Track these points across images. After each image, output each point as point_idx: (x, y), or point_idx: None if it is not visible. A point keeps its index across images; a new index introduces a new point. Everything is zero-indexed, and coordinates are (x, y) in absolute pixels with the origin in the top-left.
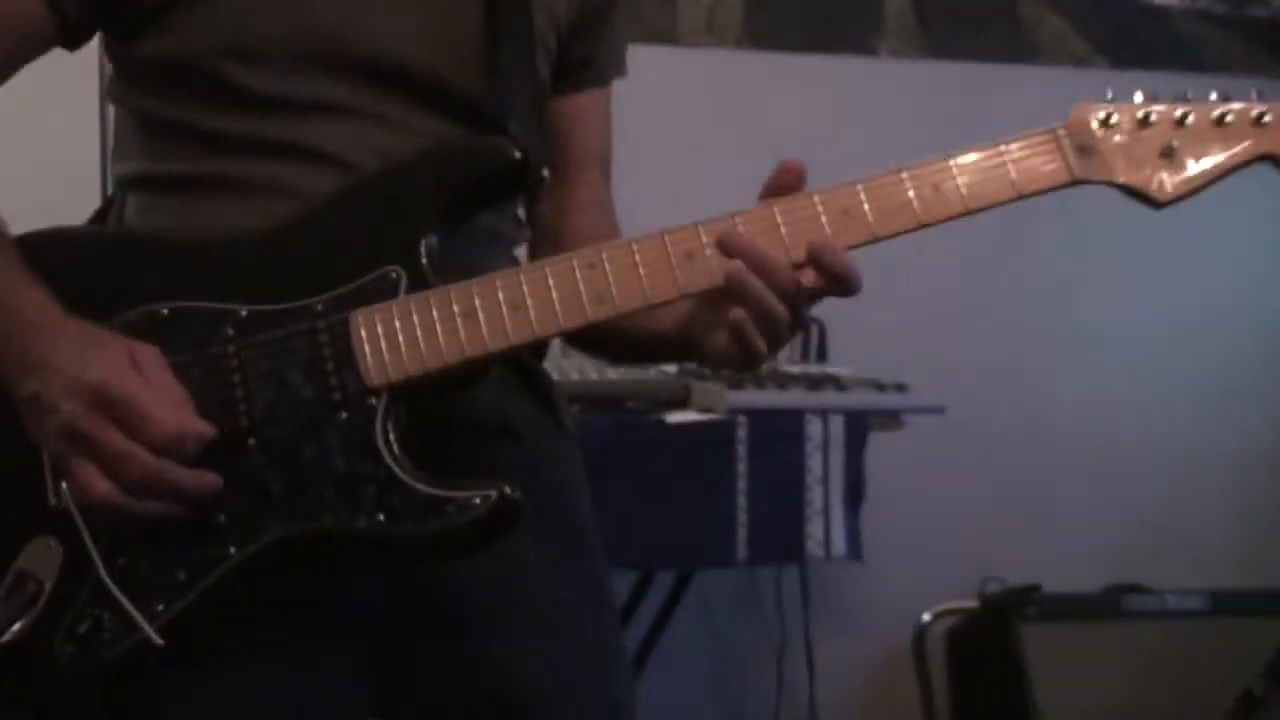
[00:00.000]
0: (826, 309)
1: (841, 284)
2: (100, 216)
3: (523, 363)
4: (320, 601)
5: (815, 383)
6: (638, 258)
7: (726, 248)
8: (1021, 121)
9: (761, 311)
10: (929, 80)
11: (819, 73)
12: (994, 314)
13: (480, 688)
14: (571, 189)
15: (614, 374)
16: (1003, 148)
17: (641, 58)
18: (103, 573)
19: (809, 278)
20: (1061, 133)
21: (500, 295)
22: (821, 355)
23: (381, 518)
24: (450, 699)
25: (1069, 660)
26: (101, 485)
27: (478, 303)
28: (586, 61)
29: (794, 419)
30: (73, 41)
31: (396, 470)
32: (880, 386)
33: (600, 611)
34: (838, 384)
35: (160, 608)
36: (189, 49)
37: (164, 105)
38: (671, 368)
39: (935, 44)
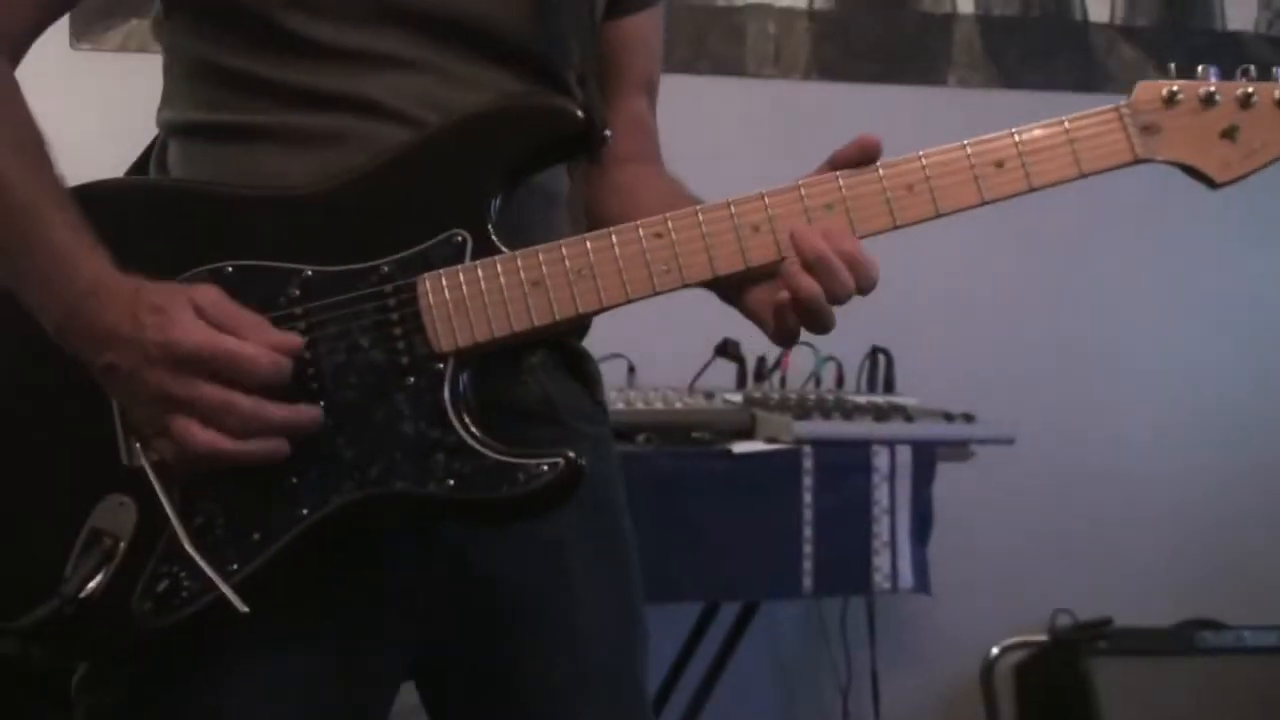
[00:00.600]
0: (894, 338)
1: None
2: (139, 166)
3: (562, 339)
4: (369, 571)
5: (882, 413)
6: (704, 229)
7: (798, 247)
8: None
9: (811, 310)
10: (998, 110)
11: (887, 103)
12: (1063, 344)
13: (516, 666)
14: (616, 113)
15: (680, 404)
16: (1066, 124)
17: (710, 90)
18: (180, 532)
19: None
20: (1125, 110)
21: (567, 264)
22: (888, 385)
23: (451, 483)
24: (488, 674)
25: (1140, 696)
26: (203, 435)
27: (545, 270)
28: None
29: (861, 449)
30: None
31: (465, 436)
32: (948, 417)
33: (629, 595)
34: (905, 414)
35: (235, 567)
36: None
37: (213, 50)
38: (737, 397)
39: (1004, 73)
